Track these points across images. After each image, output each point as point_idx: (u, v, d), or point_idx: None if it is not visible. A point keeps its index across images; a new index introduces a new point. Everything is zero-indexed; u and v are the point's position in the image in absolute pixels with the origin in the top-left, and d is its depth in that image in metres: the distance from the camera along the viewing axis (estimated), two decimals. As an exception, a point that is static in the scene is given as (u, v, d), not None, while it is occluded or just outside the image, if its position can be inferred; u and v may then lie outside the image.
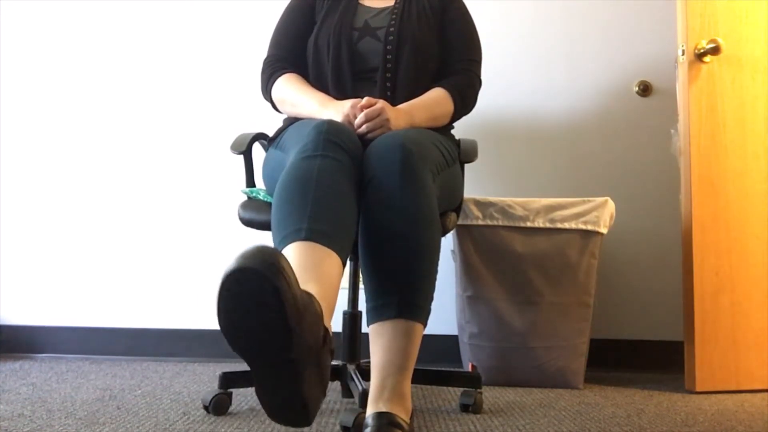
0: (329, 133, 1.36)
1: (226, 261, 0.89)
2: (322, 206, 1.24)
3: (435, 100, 1.75)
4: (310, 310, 1.01)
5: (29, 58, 2.64)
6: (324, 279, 1.16)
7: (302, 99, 1.73)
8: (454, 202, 1.71)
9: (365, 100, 1.59)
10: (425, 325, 1.31)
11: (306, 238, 1.19)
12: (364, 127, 1.55)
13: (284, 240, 1.21)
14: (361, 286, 1.50)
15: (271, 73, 1.82)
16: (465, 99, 1.80)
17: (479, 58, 1.88)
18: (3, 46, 2.64)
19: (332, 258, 1.20)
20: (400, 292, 1.28)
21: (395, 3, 1.85)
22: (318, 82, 1.78)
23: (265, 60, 1.87)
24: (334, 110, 1.62)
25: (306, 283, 1.11)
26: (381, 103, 1.58)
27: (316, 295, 1.07)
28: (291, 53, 1.85)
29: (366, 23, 1.81)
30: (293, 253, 1.18)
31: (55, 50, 2.64)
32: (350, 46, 1.76)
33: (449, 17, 1.87)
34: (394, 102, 1.69)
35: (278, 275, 0.93)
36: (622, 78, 2.55)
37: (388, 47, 1.75)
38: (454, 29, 1.86)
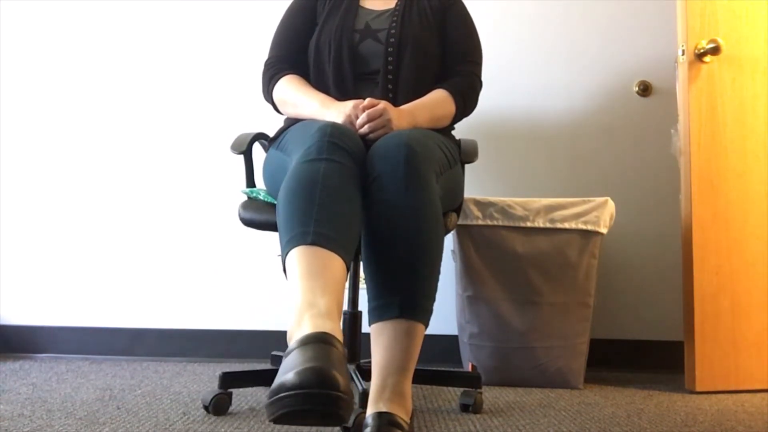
0: (333, 135, 1.36)
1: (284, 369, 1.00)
2: (328, 209, 1.24)
3: (437, 101, 1.75)
4: (346, 378, 1.03)
5: (29, 58, 2.64)
6: (332, 285, 1.16)
7: (303, 100, 1.73)
8: (455, 203, 1.71)
9: (367, 100, 1.58)
10: (427, 326, 1.31)
11: (312, 242, 1.19)
12: (366, 127, 1.55)
13: (291, 242, 1.22)
14: (362, 285, 1.51)
15: (272, 74, 1.82)
16: (467, 101, 1.80)
17: (480, 59, 1.89)
18: (3, 46, 2.64)
19: (338, 262, 1.21)
20: (403, 292, 1.28)
21: (396, 5, 1.85)
22: (319, 83, 1.78)
23: (266, 62, 1.87)
24: (336, 110, 1.62)
25: (313, 291, 1.13)
26: (383, 104, 1.58)
27: (327, 307, 1.10)
28: (292, 55, 1.85)
29: (367, 25, 1.81)
30: (300, 257, 1.19)
31: (55, 50, 2.63)
32: (351, 48, 1.76)
33: (449, 18, 1.87)
34: (396, 104, 1.68)
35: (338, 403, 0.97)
36: (622, 78, 2.55)
37: (389, 49, 1.75)
38: (455, 30, 1.86)
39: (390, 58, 1.74)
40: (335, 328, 1.07)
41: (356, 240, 1.29)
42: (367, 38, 1.78)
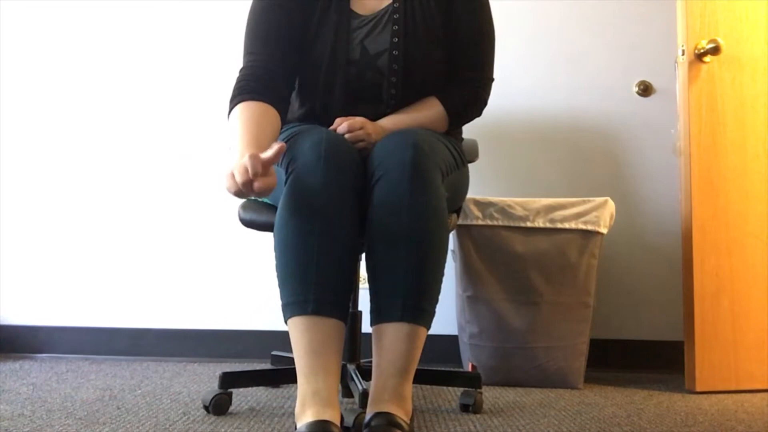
0: (329, 158, 1.30)
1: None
2: (326, 265, 1.25)
3: (426, 122, 1.60)
4: None
5: (29, 58, 2.64)
6: (333, 361, 1.24)
7: (237, 144, 1.38)
8: (456, 204, 1.67)
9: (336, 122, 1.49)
10: (429, 329, 1.30)
11: (312, 312, 1.24)
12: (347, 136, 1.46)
13: (290, 307, 1.26)
14: (362, 285, 1.50)
15: (233, 96, 1.49)
16: (463, 118, 1.68)
17: (491, 54, 1.70)
18: (3, 46, 2.64)
19: (337, 328, 1.26)
20: (405, 294, 1.27)
21: (393, 1, 1.61)
22: (304, 99, 1.64)
23: (240, 71, 1.54)
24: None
25: (316, 374, 1.21)
26: (360, 119, 1.50)
27: (328, 392, 1.20)
28: (273, 62, 1.54)
29: (363, 50, 1.59)
30: (302, 330, 1.24)
31: (56, 50, 2.63)
32: (346, 84, 1.58)
33: (457, 7, 1.64)
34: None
35: None
36: (622, 78, 2.55)
37: (392, 79, 1.58)
38: (464, 24, 1.65)
39: (393, 91, 1.58)
40: (335, 415, 1.19)
41: (352, 288, 1.33)
42: (366, 71, 1.58)
